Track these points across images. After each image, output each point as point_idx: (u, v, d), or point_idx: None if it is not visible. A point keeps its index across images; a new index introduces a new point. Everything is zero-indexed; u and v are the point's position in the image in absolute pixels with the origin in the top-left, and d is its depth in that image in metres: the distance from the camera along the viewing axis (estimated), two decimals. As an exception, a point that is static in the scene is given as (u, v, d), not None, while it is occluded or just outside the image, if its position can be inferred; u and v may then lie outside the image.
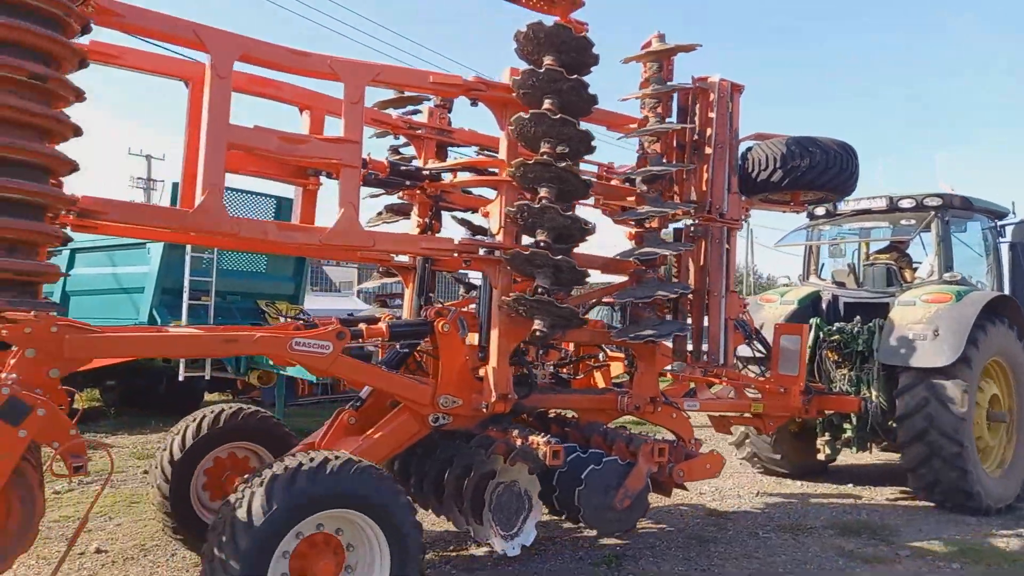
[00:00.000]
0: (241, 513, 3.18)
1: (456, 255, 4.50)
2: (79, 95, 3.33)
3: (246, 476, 3.51)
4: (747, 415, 6.11)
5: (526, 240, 4.52)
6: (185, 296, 8.83)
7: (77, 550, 5.00)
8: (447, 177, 5.31)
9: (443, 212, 5.38)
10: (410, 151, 5.36)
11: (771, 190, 5.78)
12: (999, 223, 8.01)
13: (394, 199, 5.45)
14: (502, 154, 4.57)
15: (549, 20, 4.18)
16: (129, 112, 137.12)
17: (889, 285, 7.70)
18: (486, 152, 5.36)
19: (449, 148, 5.44)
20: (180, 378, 8.97)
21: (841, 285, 8.23)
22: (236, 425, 4.79)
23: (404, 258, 5.15)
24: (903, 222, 7.74)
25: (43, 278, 3.34)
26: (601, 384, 5.85)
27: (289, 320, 9.46)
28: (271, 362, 8.82)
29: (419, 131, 5.16)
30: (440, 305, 4.66)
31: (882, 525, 6.01)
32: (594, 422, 5.03)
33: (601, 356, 5.97)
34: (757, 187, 5.63)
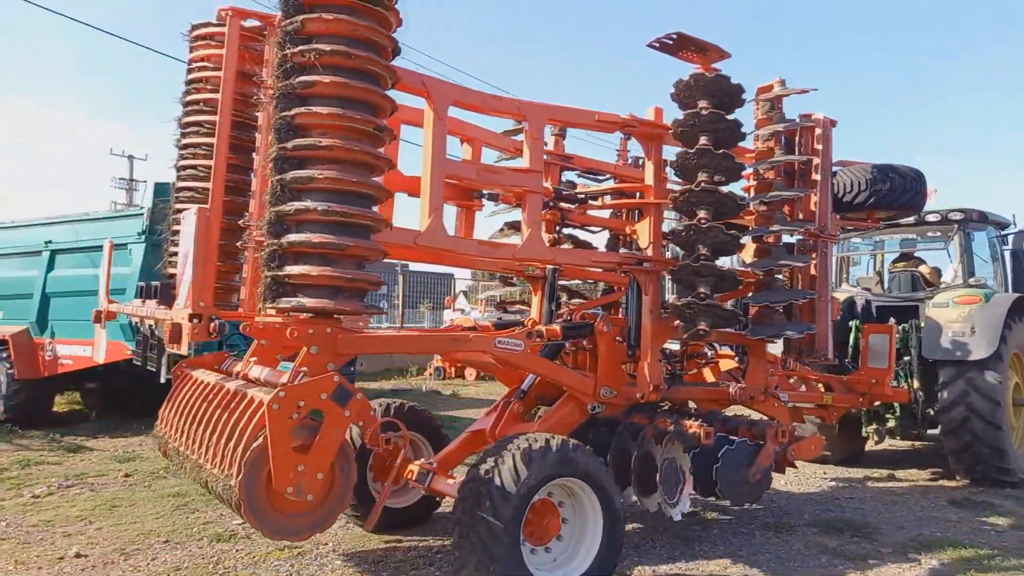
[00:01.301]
0: (497, 482, 3.84)
1: (619, 267, 5.36)
2: (393, 137, 4.16)
3: (481, 453, 4.26)
4: (815, 406, 6.72)
5: (671, 252, 5.47)
6: (167, 297, 8.74)
7: (56, 554, 4.93)
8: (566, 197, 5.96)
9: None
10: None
11: (858, 210, 6.75)
12: (1002, 233, 8.90)
13: (511, 216, 6.06)
14: (648, 180, 5.39)
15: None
16: (109, 113, 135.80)
17: (914, 290, 8.76)
18: (589, 175, 6.17)
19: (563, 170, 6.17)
20: (162, 380, 8.86)
21: (867, 290, 9.02)
22: (398, 416, 5.27)
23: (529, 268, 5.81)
24: (929, 234, 8.91)
25: (375, 286, 3.97)
26: (710, 378, 6.34)
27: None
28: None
29: (545, 157, 5.56)
30: (568, 308, 5.71)
31: (864, 523, 6.05)
32: (713, 411, 5.71)
33: (709, 353, 6.52)
34: (845, 207, 6.50)
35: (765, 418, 5.79)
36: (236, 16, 4.80)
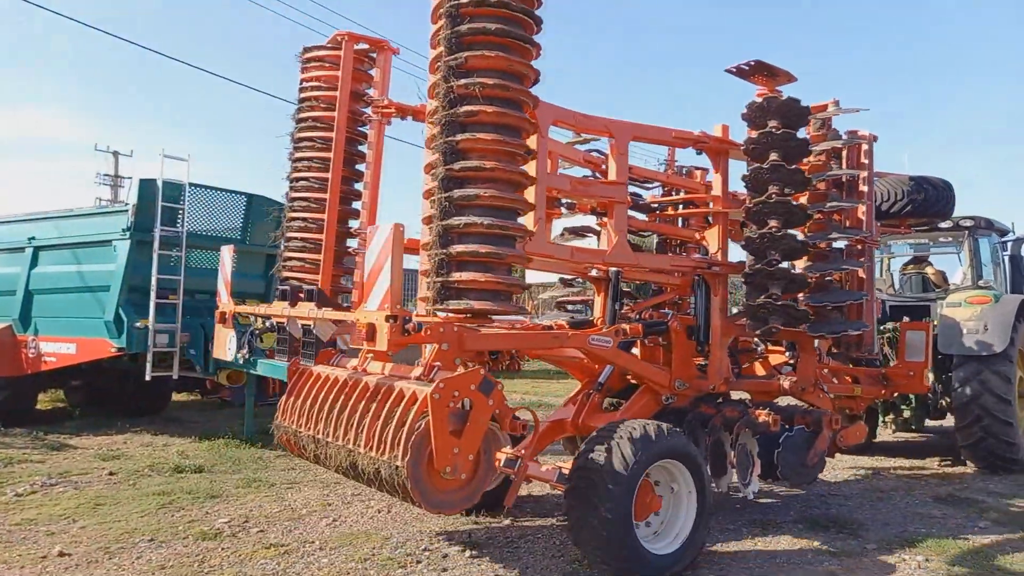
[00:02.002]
0: (612, 464, 4.29)
1: (693, 270, 5.85)
2: (532, 155, 4.64)
3: (587, 440, 4.64)
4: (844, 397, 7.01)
5: (735, 256, 6.05)
6: (152, 295, 8.67)
7: (39, 553, 4.88)
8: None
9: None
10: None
11: (894, 217, 7.76)
12: (1002, 239, 9.54)
13: (571, 222, 6.48)
14: (716, 191, 5.89)
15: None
16: (91, 108, 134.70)
17: (924, 291, 9.35)
18: (640, 184, 6.55)
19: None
20: (147, 377, 8.82)
21: (879, 291, 9.40)
22: None
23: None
24: (941, 239, 9.45)
25: (522, 290, 4.53)
26: (760, 372, 6.81)
27: (259, 317, 9.36)
28: (240, 361, 8.71)
29: (603, 166, 6.06)
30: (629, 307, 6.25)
31: (850, 519, 6.09)
32: (766, 401, 6.08)
33: (759, 349, 6.94)
34: (883, 215, 7.21)
35: (815, 408, 6.14)
36: (351, 40, 5.32)
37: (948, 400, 8.16)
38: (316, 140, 5.45)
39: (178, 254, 9.04)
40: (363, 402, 4.29)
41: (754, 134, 5.57)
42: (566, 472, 4.64)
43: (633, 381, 5.92)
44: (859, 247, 6.30)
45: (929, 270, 9.53)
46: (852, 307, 6.22)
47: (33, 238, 9.87)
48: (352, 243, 5.87)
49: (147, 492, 6.45)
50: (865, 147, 6.21)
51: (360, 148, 5.61)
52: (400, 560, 4.89)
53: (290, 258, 5.49)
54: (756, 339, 6.47)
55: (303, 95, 5.51)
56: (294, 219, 5.46)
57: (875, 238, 6.43)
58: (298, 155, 5.48)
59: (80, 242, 9.43)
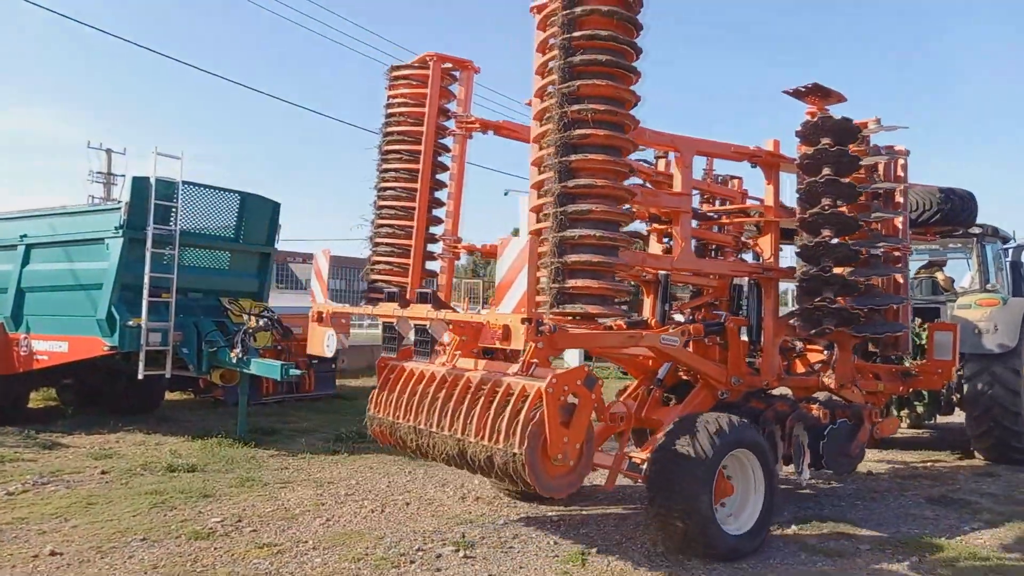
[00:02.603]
0: (694, 452, 4.81)
1: (750, 275, 6.41)
2: (633, 172, 5.28)
3: (665, 432, 5.10)
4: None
5: (786, 263, 6.55)
6: (145, 293, 8.63)
7: (30, 552, 4.85)
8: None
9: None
10: None
11: (923, 226, 8.51)
12: (1004, 246, 10.02)
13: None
14: (769, 201, 6.34)
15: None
16: (84, 106, 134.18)
17: (934, 293, 9.74)
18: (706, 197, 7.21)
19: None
20: (139, 376, 8.78)
21: None
22: None
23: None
24: (951, 245, 10.02)
25: (628, 295, 4.97)
26: (800, 369, 7.30)
27: (252, 315, 9.35)
28: (234, 360, 8.69)
29: (658, 178, 6.68)
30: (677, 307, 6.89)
31: (844, 520, 6.10)
32: (808, 396, 6.56)
33: (798, 347, 7.39)
34: (914, 224, 7.69)
35: (854, 403, 6.54)
36: (438, 61, 5.71)
37: (959, 396, 8.63)
38: (403, 153, 5.79)
39: (171, 252, 8.99)
40: (469, 396, 4.71)
41: (808, 150, 6.00)
42: (636, 461, 5.27)
43: (684, 378, 6.45)
44: (896, 254, 6.68)
45: (938, 275, 9.89)
46: (890, 310, 6.58)
47: (25, 236, 9.81)
48: (434, 248, 6.11)
49: (140, 491, 6.42)
50: (901, 161, 6.65)
51: (442, 160, 5.92)
52: (393, 560, 4.88)
53: (378, 262, 5.82)
54: (793, 338, 6.98)
55: (391, 111, 5.87)
56: (382, 225, 5.77)
57: (908, 245, 6.86)
58: (386, 166, 5.82)
59: (73, 240, 9.37)
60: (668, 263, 5.83)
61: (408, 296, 5.59)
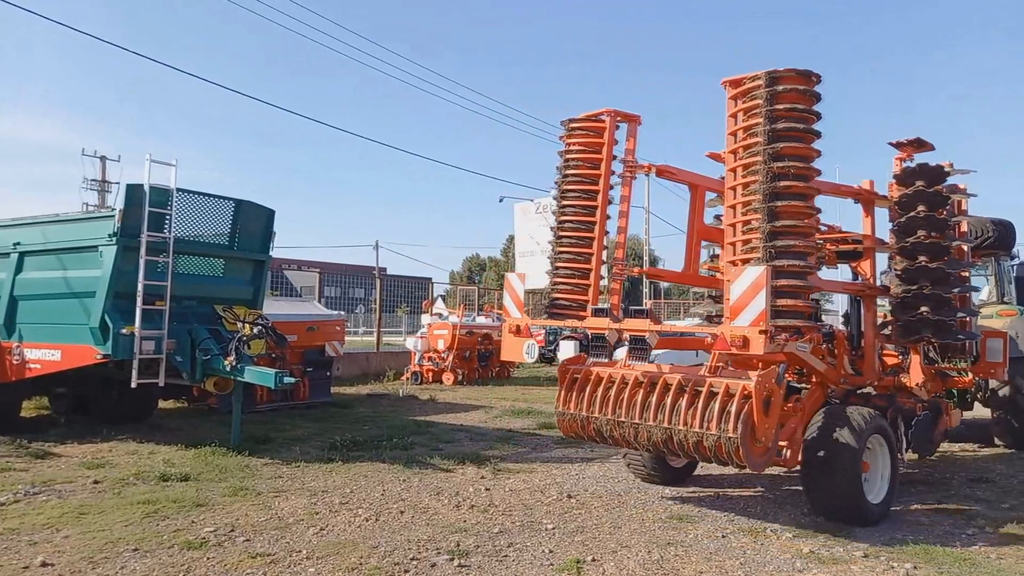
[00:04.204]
0: (846, 438, 5.97)
1: (856, 292, 7.52)
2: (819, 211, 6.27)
3: (821, 423, 6.17)
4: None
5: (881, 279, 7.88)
6: (139, 300, 8.60)
7: (21, 564, 4.81)
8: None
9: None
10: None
11: (978, 249, 9.81)
12: (1011, 262, 11.13)
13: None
14: (865, 231, 7.46)
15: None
16: (79, 113, 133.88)
17: None
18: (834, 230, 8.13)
19: None
20: (133, 385, 8.74)
21: None
22: None
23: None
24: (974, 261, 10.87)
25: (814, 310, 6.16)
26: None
27: (246, 323, 9.32)
28: (228, 368, 8.65)
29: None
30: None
31: (838, 526, 6.10)
32: (889, 393, 7.46)
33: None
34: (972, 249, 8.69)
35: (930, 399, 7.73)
36: (613, 117, 6.74)
37: (983, 395, 9.96)
38: (580, 192, 6.84)
39: (165, 260, 8.97)
40: (671, 393, 5.81)
41: (906, 190, 7.10)
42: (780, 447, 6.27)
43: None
44: (963, 274, 7.74)
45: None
46: (960, 321, 7.57)
47: (18, 243, 9.77)
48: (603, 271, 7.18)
49: (132, 501, 6.38)
50: (964, 198, 7.87)
51: (610, 196, 6.94)
52: (388, 569, 4.86)
53: (559, 282, 6.83)
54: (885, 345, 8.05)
55: (569, 156, 6.91)
56: (562, 252, 6.83)
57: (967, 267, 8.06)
58: (565, 203, 6.88)
59: (66, 247, 9.33)
60: (816, 282, 6.49)
61: (585, 312, 6.63)
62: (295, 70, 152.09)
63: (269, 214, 10.60)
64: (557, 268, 6.87)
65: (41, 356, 9.32)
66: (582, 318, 6.58)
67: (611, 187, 6.79)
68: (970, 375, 8.75)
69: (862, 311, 7.49)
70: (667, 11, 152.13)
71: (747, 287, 5.46)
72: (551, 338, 29.51)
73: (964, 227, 7.90)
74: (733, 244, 6.20)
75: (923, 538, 5.88)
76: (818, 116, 5.97)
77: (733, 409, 5.43)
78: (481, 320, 22.71)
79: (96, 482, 7.07)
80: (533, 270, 26.79)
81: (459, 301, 27.74)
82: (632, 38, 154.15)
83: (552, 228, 7.04)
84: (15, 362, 9.52)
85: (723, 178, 6.48)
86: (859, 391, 7.32)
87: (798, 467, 6.38)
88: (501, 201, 35.35)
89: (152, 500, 6.38)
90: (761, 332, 5.33)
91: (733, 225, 6.21)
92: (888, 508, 6.42)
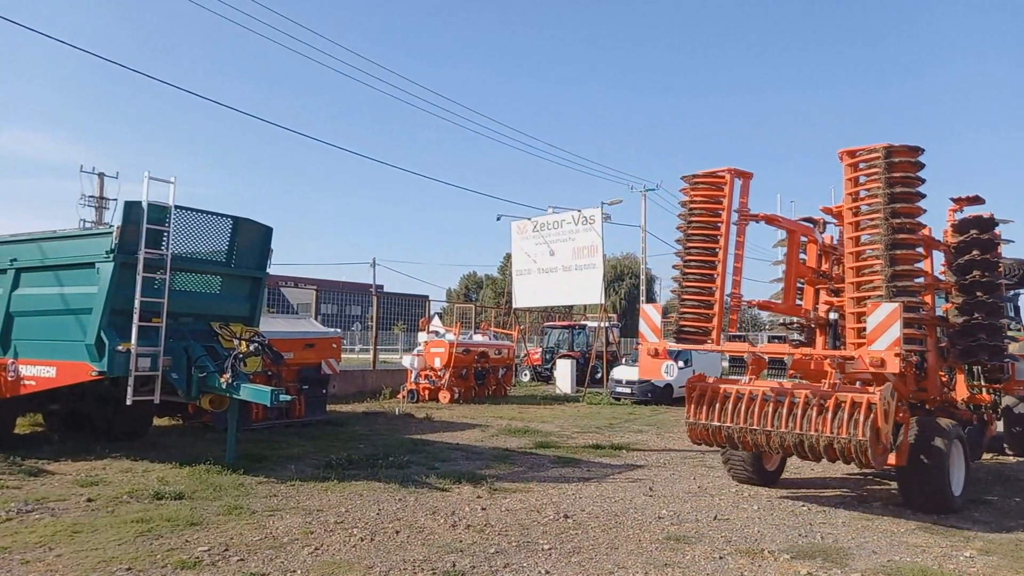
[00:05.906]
0: (937, 445, 7.39)
1: (917, 322, 8.07)
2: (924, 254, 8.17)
3: (917, 432, 7.53)
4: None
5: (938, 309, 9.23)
6: (135, 317, 8.58)
7: (13, 583, 4.76)
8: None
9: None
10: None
11: (1013, 285, 11.41)
12: (1018, 291, 12.73)
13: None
14: (928, 269, 8.65)
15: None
16: (77, 129, 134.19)
17: None
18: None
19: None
20: (128, 402, 8.69)
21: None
22: None
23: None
24: None
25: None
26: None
27: (243, 340, 9.30)
28: (224, 386, 8.62)
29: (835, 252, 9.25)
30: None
31: (836, 548, 6.08)
32: (939, 406, 8.92)
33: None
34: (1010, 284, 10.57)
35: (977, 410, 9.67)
36: (733, 174, 7.90)
37: (999, 410, 11.45)
38: (703, 236, 8.03)
39: (162, 276, 8.96)
40: (801, 404, 7.02)
41: (963, 237, 8.55)
42: None
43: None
44: (1002, 306, 9.02)
45: None
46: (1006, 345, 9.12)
47: (15, 260, 9.75)
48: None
49: (126, 519, 6.33)
50: (1003, 243, 8.98)
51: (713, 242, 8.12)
52: (383, 590, 4.82)
53: (686, 312, 8.00)
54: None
55: (694, 206, 8.10)
56: (688, 286, 8.01)
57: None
58: (690, 244, 8.06)
59: (63, 264, 9.32)
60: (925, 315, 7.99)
61: (707, 337, 7.89)
62: (293, 88, 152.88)
63: (267, 231, 10.61)
64: (684, 299, 8.06)
65: (36, 373, 9.28)
66: (703, 342, 7.92)
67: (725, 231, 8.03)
68: (986, 392, 10.11)
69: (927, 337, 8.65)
70: (659, 35, 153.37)
71: (883, 318, 6.71)
72: (547, 356, 29.57)
73: (1001, 267, 9.06)
74: (855, 283, 7.46)
75: (920, 559, 5.86)
76: (922, 181, 7.29)
77: (860, 417, 6.65)
78: (478, 338, 22.68)
79: (90, 500, 7.02)
80: (528, 288, 26.90)
81: (456, 319, 27.70)
82: (628, 63, 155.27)
83: (676, 266, 8.23)
84: (10, 379, 9.48)
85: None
86: (923, 404, 8.65)
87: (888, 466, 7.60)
88: (498, 219, 35.38)
89: (146, 518, 6.33)
90: (896, 355, 6.57)
91: (854, 268, 7.49)
92: (963, 499, 7.74)
